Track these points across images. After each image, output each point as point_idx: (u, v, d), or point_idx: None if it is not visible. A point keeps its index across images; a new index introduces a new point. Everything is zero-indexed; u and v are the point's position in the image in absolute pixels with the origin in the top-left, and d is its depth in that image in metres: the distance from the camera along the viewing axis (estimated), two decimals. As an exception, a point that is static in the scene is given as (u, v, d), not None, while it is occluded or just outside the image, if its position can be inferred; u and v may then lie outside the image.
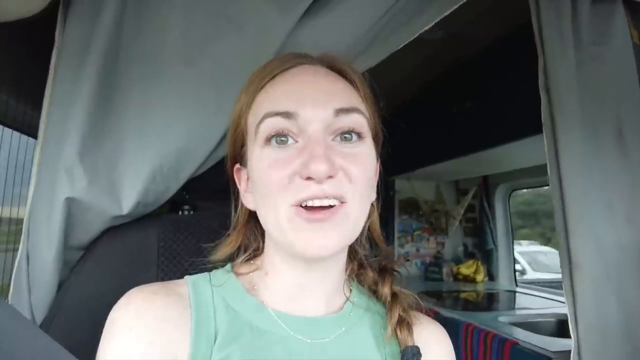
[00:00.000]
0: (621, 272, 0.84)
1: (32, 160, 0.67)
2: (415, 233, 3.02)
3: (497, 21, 1.51)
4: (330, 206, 0.46)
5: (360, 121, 0.50)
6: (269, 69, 0.52)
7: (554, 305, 1.94)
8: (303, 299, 0.53)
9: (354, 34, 0.74)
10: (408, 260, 2.99)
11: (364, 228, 0.55)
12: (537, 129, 1.29)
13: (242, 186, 0.56)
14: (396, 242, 2.98)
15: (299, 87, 0.49)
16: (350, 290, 0.58)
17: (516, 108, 1.51)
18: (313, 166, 0.44)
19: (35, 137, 0.68)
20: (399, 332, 0.54)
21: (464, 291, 2.41)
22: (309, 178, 0.45)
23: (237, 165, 0.57)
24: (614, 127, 0.90)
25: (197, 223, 0.71)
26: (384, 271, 0.60)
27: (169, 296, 0.49)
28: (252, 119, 0.51)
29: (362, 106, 0.52)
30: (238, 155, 0.55)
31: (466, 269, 2.71)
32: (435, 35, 1.60)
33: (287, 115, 0.47)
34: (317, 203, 0.46)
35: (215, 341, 0.47)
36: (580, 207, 0.85)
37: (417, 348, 0.53)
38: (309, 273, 0.52)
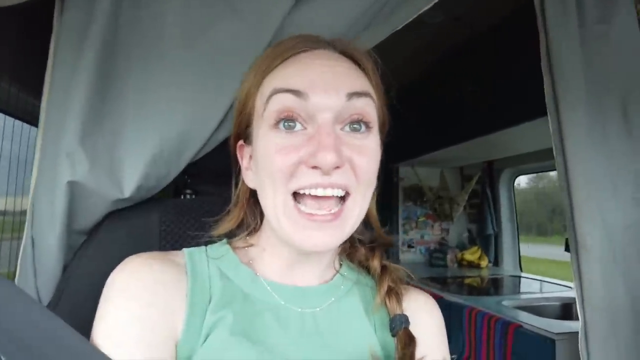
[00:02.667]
0: (627, 253, 0.83)
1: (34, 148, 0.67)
2: (419, 220, 3.03)
3: (499, 2, 1.49)
4: (335, 197, 0.47)
5: (370, 108, 0.50)
6: (280, 51, 0.52)
7: (559, 290, 1.94)
8: (297, 273, 0.55)
9: (352, 14, 0.73)
10: (412, 246, 3.00)
11: None
12: (542, 112, 1.28)
13: (244, 163, 0.57)
14: (400, 229, 2.99)
15: (311, 69, 0.49)
16: (340, 265, 0.60)
17: (520, 91, 1.49)
18: (321, 156, 0.45)
19: (36, 125, 0.69)
20: (388, 302, 0.55)
21: (469, 277, 2.42)
22: (315, 167, 0.46)
23: (241, 142, 0.57)
24: (619, 107, 0.89)
25: (199, 207, 0.71)
26: (374, 247, 0.61)
27: (165, 262, 0.50)
28: (259, 98, 0.51)
29: (373, 93, 0.52)
30: (243, 133, 0.56)
31: (470, 255, 2.72)
32: (436, 19, 1.58)
33: (297, 93, 0.47)
34: (320, 192, 0.47)
35: (209, 305, 0.49)
36: (585, 188, 0.85)
37: (406, 316, 0.54)
38: (306, 255, 0.54)
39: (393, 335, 0.54)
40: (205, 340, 0.47)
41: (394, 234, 2.99)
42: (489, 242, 2.71)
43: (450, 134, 2.03)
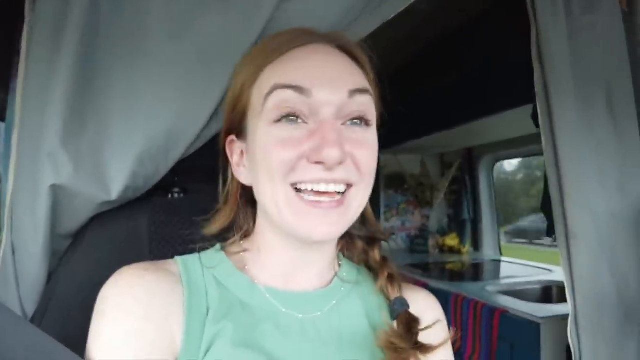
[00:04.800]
0: (613, 240, 0.85)
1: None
2: (400, 207, 3.05)
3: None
4: (337, 192, 0.47)
5: (370, 105, 0.50)
6: (277, 44, 0.51)
7: (538, 273, 1.99)
8: (296, 276, 0.53)
9: (344, 4, 0.72)
10: (394, 234, 3.03)
11: None
12: (523, 100, 1.29)
13: (234, 159, 0.55)
14: (382, 216, 3.01)
15: (312, 64, 0.48)
16: (340, 265, 0.59)
17: (502, 79, 1.50)
18: (326, 152, 0.44)
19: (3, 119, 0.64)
20: (389, 287, 0.55)
21: (450, 262, 2.46)
22: (318, 162, 0.45)
23: (232, 137, 0.55)
24: (605, 96, 0.90)
25: (189, 206, 0.69)
26: (373, 240, 0.61)
27: (159, 273, 0.48)
28: (257, 92, 0.49)
29: (371, 89, 0.51)
30: (235, 127, 0.54)
31: (451, 241, 2.77)
32: (421, 6, 1.57)
33: (300, 90, 0.46)
34: (322, 188, 0.46)
35: (207, 316, 0.47)
36: (574, 175, 0.86)
37: (405, 299, 0.54)
38: (306, 252, 0.53)
39: (394, 319, 0.54)
40: (206, 354, 0.45)
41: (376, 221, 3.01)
42: (464, 227, 2.76)
43: (433, 122, 2.04)
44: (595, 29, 0.91)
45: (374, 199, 2.92)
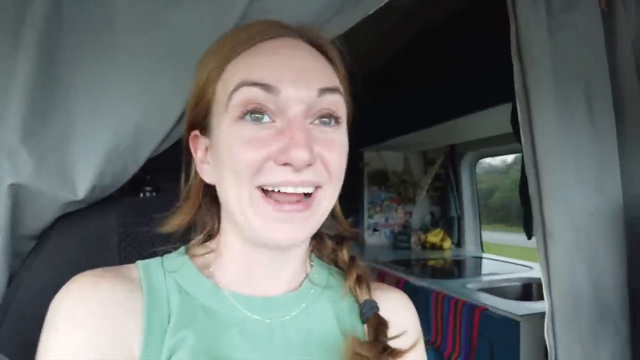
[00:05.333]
0: (590, 239, 0.86)
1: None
2: (384, 203, 3.06)
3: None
4: (304, 194, 0.45)
5: (340, 103, 0.48)
6: (245, 36, 0.48)
7: (519, 270, 2.01)
8: (264, 279, 0.51)
9: (322, -1, 0.70)
10: (377, 230, 3.04)
11: None
12: (505, 97, 1.29)
13: (198, 155, 0.52)
14: (365, 213, 3.02)
15: (281, 60, 0.46)
16: (311, 266, 0.57)
17: (484, 76, 1.50)
18: (293, 153, 0.42)
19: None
20: (358, 289, 0.54)
21: (432, 259, 2.47)
22: (285, 164, 0.43)
23: (195, 132, 0.52)
24: (583, 95, 0.90)
25: (161, 205, 0.66)
26: (342, 239, 0.60)
27: (116, 279, 0.46)
28: (222, 87, 0.47)
29: (341, 87, 0.49)
30: (199, 122, 0.51)
31: (433, 237, 2.78)
32: (402, 2, 1.56)
33: (267, 88, 0.44)
34: (290, 189, 0.44)
35: (168, 325, 0.45)
36: (553, 174, 0.86)
37: (375, 302, 0.53)
38: (273, 256, 0.50)
39: (364, 322, 0.53)
40: None
41: (360, 218, 3.02)
42: (452, 224, 2.77)
43: (416, 119, 2.03)
44: (574, 27, 0.91)
45: (358, 196, 2.94)
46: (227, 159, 0.45)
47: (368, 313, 0.53)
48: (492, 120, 1.74)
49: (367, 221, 3.02)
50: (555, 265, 0.86)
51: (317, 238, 0.60)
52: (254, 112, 0.44)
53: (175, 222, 0.53)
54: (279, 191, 0.44)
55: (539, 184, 0.86)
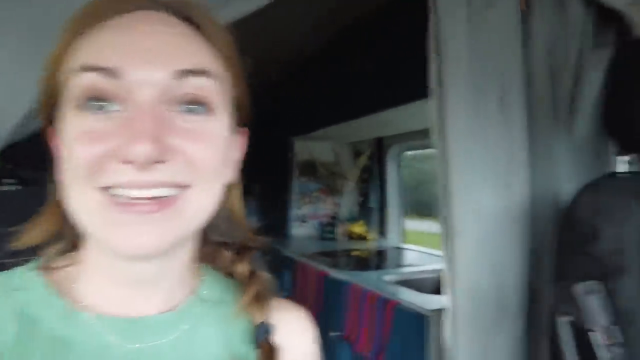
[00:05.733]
0: (496, 238, 0.86)
1: None
2: (313, 194, 3.05)
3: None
4: (159, 197, 0.36)
5: (211, 87, 0.40)
6: (97, 9, 0.39)
7: (439, 261, 2.06)
8: (133, 297, 0.43)
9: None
10: (305, 221, 3.02)
11: (218, 213, 0.45)
12: (427, 92, 1.28)
13: (57, 152, 0.42)
14: (294, 203, 2.99)
15: (129, 37, 0.37)
16: (202, 280, 0.49)
17: (409, 70, 1.49)
18: (132, 147, 0.34)
19: None
20: (255, 309, 0.47)
21: (356, 249, 2.50)
22: (128, 162, 0.34)
23: (51, 128, 0.42)
24: (497, 94, 0.90)
25: (25, 200, 0.56)
26: (244, 249, 0.52)
27: None
28: (64, 71, 0.38)
29: (214, 67, 0.41)
30: (50, 115, 0.41)
31: (358, 228, 2.82)
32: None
33: (108, 72, 0.35)
34: (134, 193, 0.35)
35: None
36: (463, 173, 0.85)
37: (269, 325, 0.47)
38: (140, 269, 0.42)
39: (257, 347, 0.47)
40: None
41: (287, 209, 2.99)
42: (370, 215, 2.82)
43: (344, 110, 2.01)
44: (492, 26, 0.90)
45: (286, 187, 2.90)
46: (67, 157, 0.37)
47: (260, 338, 0.47)
48: (416, 114, 1.75)
49: (295, 212, 3.00)
50: (460, 263, 0.86)
51: (209, 246, 0.51)
52: (95, 100, 0.36)
53: (32, 235, 0.43)
54: (124, 195, 0.36)
55: (448, 180, 0.85)
